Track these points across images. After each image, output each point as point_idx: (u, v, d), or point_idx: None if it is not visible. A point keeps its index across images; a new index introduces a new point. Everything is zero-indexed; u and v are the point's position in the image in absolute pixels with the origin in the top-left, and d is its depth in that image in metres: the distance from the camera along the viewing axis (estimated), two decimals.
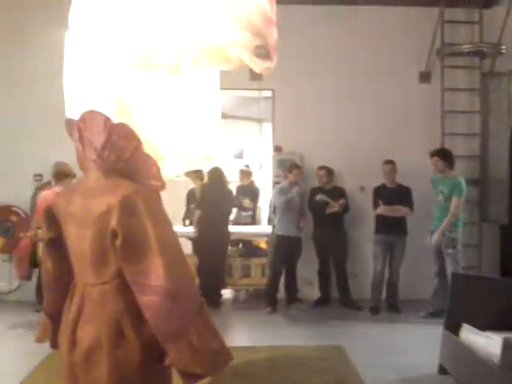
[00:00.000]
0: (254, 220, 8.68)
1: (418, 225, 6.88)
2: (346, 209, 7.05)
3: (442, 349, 4.63)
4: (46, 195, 5.94)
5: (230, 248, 7.55)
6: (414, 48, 7.42)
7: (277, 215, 7.09)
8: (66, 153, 6.12)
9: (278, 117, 7.60)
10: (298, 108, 7.44)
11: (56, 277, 2.49)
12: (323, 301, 7.18)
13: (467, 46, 7.37)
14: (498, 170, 7.29)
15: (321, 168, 7.14)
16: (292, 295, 7.14)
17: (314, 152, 7.39)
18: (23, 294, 7.13)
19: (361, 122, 7.44)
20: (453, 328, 4.46)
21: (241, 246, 8.04)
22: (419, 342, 5.60)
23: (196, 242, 7.31)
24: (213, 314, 2.41)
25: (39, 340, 2.56)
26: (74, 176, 5.99)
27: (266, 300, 6.97)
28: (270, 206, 7.97)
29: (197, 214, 7.30)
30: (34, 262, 6.54)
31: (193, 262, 6.77)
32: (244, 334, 6.13)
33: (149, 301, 2.12)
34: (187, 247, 7.19)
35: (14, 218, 7.23)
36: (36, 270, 6.94)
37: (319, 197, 6.95)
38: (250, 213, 8.59)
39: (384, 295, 7.01)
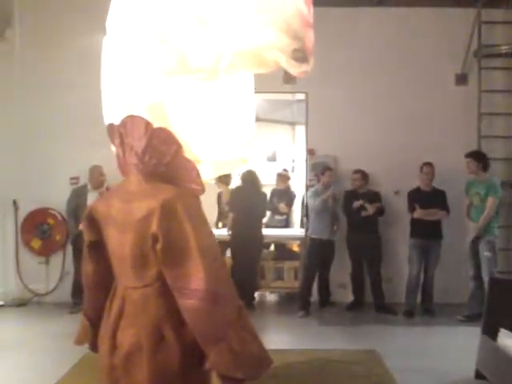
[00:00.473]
0: (287, 223, 8.66)
1: (453, 228, 6.79)
2: (381, 212, 6.98)
3: (479, 354, 4.55)
4: None
5: (263, 251, 7.54)
6: (451, 50, 7.30)
7: (310, 218, 7.06)
8: (102, 156, 6.33)
9: (311, 120, 7.56)
10: (332, 111, 7.39)
11: (96, 280, 2.51)
12: (356, 304, 7.12)
13: (505, 46, 7.22)
14: None
15: (356, 171, 7.08)
16: (325, 299, 7.10)
17: (348, 155, 7.33)
18: (59, 295, 7.24)
19: (396, 124, 7.35)
20: (490, 333, 4.39)
21: (274, 248, 8.03)
22: (455, 347, 5.51)
23: (229, 244, 7.33)
24: None
25: (79, 342, 2.58)
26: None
27: (299, 303, 6.94)
28: (303, 208, 7.93)
29: (230, 216, 7.33)
30: None
31: (226, 264, 6.79)
32: (277, 337, 6.10)
33: (189, 304, 2.13)
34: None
35: (50, 221, 7.33)
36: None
37: (355, 204, 6.89)
38: (284, 217, 8.58)
39: (419, 299, 6.91)
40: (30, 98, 7.24)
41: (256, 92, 3.17)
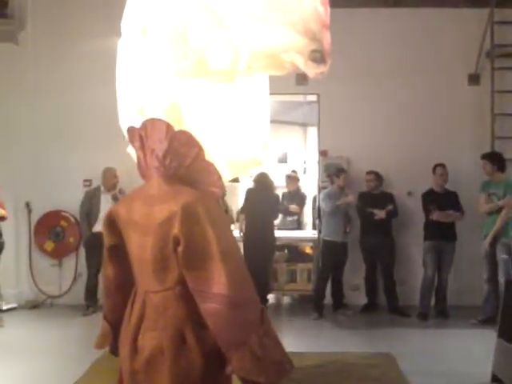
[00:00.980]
0: (299, 225, 8.64)
1: (467, 230, 6.77)
2: (394, 214, 6.94)
3: (496, 357, 4.51)
4: None
5: (275, 253, 7.52)
6: (463, 50, 7.29)
7: (323, 220, 7.04)
8: (115, 159, 6.36)
9: (323, 121, 7.55)
10: (344, 112, 7.38)
11: (117, 283, 2.50)
12: (370, 307, 7.10)
13: None
14: None
15: (369, 173, 7.06)
16: (338, 301, 7.07)
17: (361, 156, 7.32)
18: (72, 297, 7.27)
19: (408, 125, 7.33)
20: (507, 336, 4.35)
21: (286, 251, 8.01)
22: (470, 350, 5.48)
23: (242, 246, 7.31)
24: None
25: (99, 346, 2.56)
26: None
27: (312, 306, 6.91)
28: (315, 210, 7.90)
29: (241, 218, 7.32)
30: None
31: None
32: (290, 340, 6.04)
33: (211, 308, 2.11)
34: None
35: (63, 223, 7.36)
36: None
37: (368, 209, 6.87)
38: (295, 217, 8.56)
39: (432, 302, 6.86)
40: (44, 101, 7.30)
41: (269, 93, 3.17)
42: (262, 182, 7.18)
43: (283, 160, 11.33)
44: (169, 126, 2.27)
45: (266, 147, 3.26)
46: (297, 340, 6.03)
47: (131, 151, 2.63)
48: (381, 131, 7.32)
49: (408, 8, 7.30)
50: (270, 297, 7.62)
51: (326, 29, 2.42)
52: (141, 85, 2.78)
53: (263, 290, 7.14)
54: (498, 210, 6.23)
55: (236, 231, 7.50)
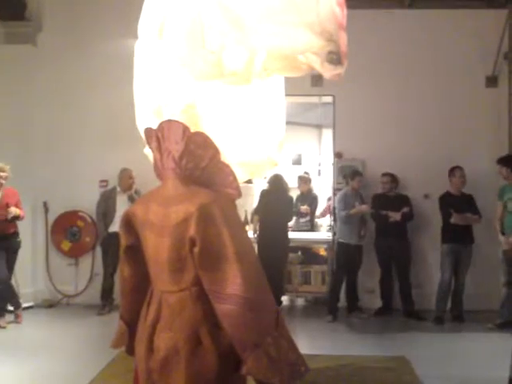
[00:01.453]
0: (312, 227, 8.62)
1: (484, 233, 6.70)
2: (409, 217, 6.89)
3: None
4: None
5: (289, 255, 7.51)
6: (481, 51, 7.21)
7: (338, 222, 7.01)
8: (131, 160, 6.40)
9: (338, 123, 7.52)
10: (360, 113, 7.35)
11: (133, 284, 2.52)
12: (385, 310, 7.05)
13: None
14: None
15: (385, 174, 7.02)
16: (353, 304, 7.03)
17: (376, 158, 7.28)
18: (88, 297, 7.32)
19: (424, 127, 7.28)
20: None
21: (300, 252, 7.99)
22: (487, 354, 5.42)
23: (256, 247, 7.31)
24: None
25: (115, 345, 2.58)
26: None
27: (326, 308, 6.90)
28: (331, 212, 7.88)
29: (255, 219, 7.32)
30: None
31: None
32: (304, 342, 6.03)
33: (226, 309, 2.12)
34: None
35: (80, 223, 7.42)
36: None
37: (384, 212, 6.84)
38: (307, 218, 8.54)
39: (449, 305, 6.80)
40: (61, 102, 7.37)
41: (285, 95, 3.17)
42: (277, 184, 7.18)
43: (297, 162, 11.31)
44: (185, 128, 2.28)
45: (281, 148, 3.26)
46: (310, 342, 6.01)
47: (148, 152, 2.65)
48: (396, 133, 7.28)
49: (424, 9, 7.25)
50: (284, 299, 7.60)
51: (342, 30, 2.41)
52: (158, 86, 2.80)
53: (277, 292, 7.14)
54: None
55: (250, 232, 7.51)
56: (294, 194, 8.37)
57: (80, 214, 7.43)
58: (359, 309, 7.03)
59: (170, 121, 2.35)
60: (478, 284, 6.92)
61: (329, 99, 7.74)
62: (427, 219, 7.15)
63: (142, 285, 2.48)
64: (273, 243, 6.96)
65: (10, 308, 6.45)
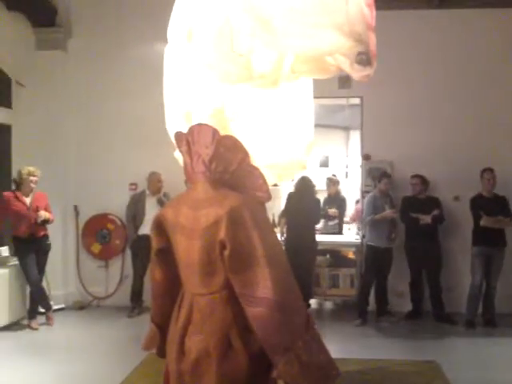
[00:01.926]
0: (340, 229, 8.56)
1: None
2: (440, 219, 6.78)
3: None
4: None
5: (317, 258, 7.46)
6: None
7: (367, 225, 6.95)
8: (160, 163, 6.46)
9: (366, 124, 7.45)
10: (388, 115, 7.26)
11: (164, 286, 2.54)
12: (415, 314, 6.95)
13: None
14: None
15: (414, 176, 6.92)
16: (382, 307, 6.94)
17: (405, 160, 7.18)
18: (118, 299, 7.38)
19: (455, 128, 7.15)
20: None
21: (328, 255, 7.95)
22: None
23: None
24: None
25: (146, 347, 2.61)
26: None
27: (355, 312, 6.84)
28: (361, 216, 7.81)
29: (282, 222, 7.30)
30: None
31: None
32: (333, 346, 5.96)
33: (256, 312, 2.12)
34: None
35: (110, 226, 7.50)
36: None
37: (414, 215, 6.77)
38: (335, 221, 8.49)
39: (480, 309, 6.68)
40: (92, 106, 7.47)
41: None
42: (303, 186, 7.14)
43: (325, 164, 11.27)
44: (215, 131, 2.29)
45: (309, 151, 3.25)
46: (339, 346, 5.92)
47: (178, 156, 2.67)
48: (426, 134, 7.17)
49: (453, 9, 7.14)
50: (312, 302, 7.56)
51: (371, 31, 2.40)
52: (187, 90, 2.82)
53: (305, 295, 7.09)
54: None
55: (277, 235, 7.49)
56: (322, 196, 8.31)
57: (110, 216, 7.50)
58: (389, 312, 6.93)
59: (200, 124, 2.36)
60: (510, 287, 6.78)
61: (356, 101, 7.68)
62: (458, 222, 7.03)
63: (172, 287, 2.50)
64: (300, 246, 6.92)
65: (42, 310, 6.55)
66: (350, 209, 9.13)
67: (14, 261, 6.40)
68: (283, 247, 6.81)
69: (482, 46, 7.12)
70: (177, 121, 2.87)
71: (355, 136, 9.77)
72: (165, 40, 2.95)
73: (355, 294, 7.28)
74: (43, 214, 6.23)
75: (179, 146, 2.44)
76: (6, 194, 6.26)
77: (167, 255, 2.46)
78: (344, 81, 6.82)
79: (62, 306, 7.23)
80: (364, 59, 2.34)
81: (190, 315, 2.30)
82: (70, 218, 7.56)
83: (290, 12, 2.35)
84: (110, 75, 7.37)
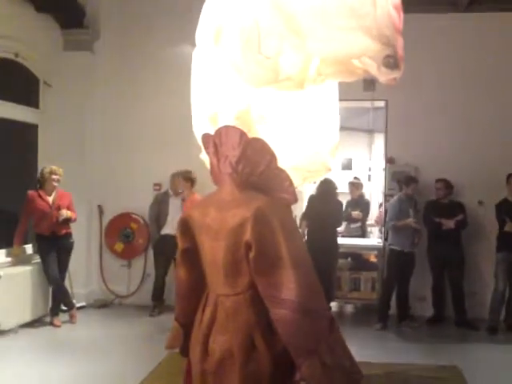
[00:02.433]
0: (363, 233, 8.52)
1: None
2: (463, 224, 6.72)
3: None
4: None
5: (339, 261, 7.44)
6: None
7: (390, 229, 6.90)
8: (184, 164, 6.51)
9: (391, 128, 7.41)
10: (412, 118, 7.22)
11: (189, 286, 2.55)
12: (437, 319, 6.89)
13: None
14: None
15: (439, 180, 6.86)
16: (404, 312, 6.89)
17: (429, 164, 7.13)
18: (140, 298, 7.44)
19: (480, 132, 7.08)
20: None
21: (349, 258, 7.92)
22: None
23: None
24: None
25: (170, 346, 2.63)
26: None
27: (376, 315, 6.80)
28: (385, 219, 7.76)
29: (303, 224, 7.28)
30: None
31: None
32: (354, 349, 5.96)
33: (280, 314, 2.13)
34: None
35: (133, 225, 7.55)
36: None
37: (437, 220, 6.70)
38: (358, 224, 8.45)
39: (503, 315, 6.60)
40: (118, 108, 7.55)
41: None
42: (325, 189, 7.10)
43: (348, 167, 11.22)
44: (242, 133, 2.31)
45: (334, 154, 3.24)
46: (360, 350, 5.82)
47: (204, 158, 2.68)
48: (450, 138, 7.11)
49: (479, 12, 7.06)
50: (333, 305, 7.53)
51: (399, 34, 2.39)
52: (214, 92, 2.84)
53: (326, 298, 7.06)
54: None
55: None
56: (344, 199, 8.28)
57: (133, 216, 7.56)
58: (410, 317, 6.89)
59: (227, 126, 2.38)
60: None
61: (381, 104, 7.64)
62: (482, 227, 6.96)
63: (197, 287, 2.51)
64: (321, 248, 6.86)
65: (64, 308, 6.62)
66: (374, 212, 9.07)
67: (38, 258, 6.48)
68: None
69: (509, 51, 7.03)
70: (203, 123, 2.89)
71: (379, 139, 9.70)
72: (192, 42, 2.97)
73: (376, 298, 7.23)
74: (64, 213, 6.30)
75: (206, 148, 2.46)
76: (31, 192, 6.35)
77: (193, 255, 2.48)
78: (369, 84, 6.80)
79: (84, 304, 7.30)
80: (391, 62, 2.33)
81: (215, 316, 2.31)
82: (95, 217, 7.65)
83: (317, 15, 2.35)
84: (135, 77, 7.45)
